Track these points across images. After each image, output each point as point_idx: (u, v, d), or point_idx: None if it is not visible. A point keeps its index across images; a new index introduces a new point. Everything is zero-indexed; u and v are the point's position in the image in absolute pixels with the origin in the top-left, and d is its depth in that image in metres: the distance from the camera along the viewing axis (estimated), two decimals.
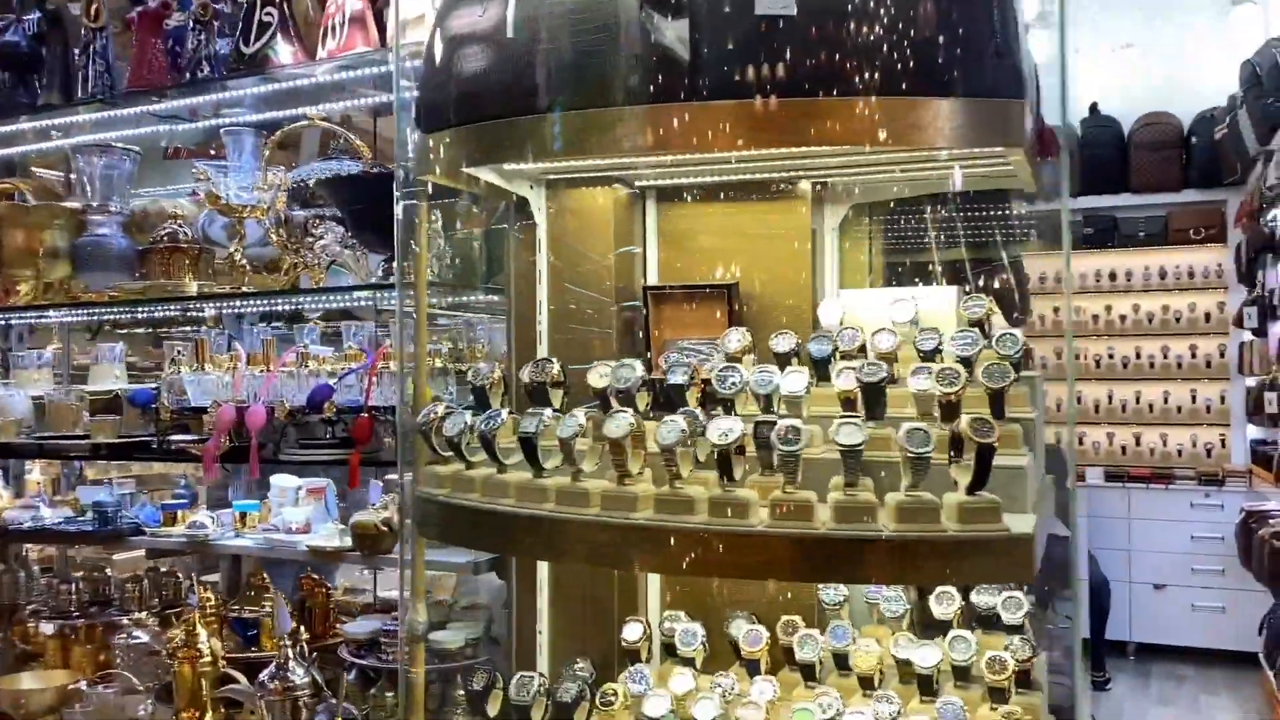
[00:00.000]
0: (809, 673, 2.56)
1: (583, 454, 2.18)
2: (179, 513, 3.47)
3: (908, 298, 2.52)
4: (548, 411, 2.25)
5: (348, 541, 3.14)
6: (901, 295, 2.57)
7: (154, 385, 3.36)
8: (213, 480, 3.41)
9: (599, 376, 2.47)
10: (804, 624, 2.61)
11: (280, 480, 3.58)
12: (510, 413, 2.31)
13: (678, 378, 2.51)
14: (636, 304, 2.90)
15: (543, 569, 2.97)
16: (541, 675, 2.58)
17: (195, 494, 3.83)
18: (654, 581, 2.95)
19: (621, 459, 2.11)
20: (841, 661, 2.54)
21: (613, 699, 2.48)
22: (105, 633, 3.67)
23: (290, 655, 2.76)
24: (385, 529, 3.04)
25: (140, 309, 3.37)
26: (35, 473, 4.12)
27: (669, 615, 2.76)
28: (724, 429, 2.04)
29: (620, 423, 2.12)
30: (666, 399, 2.45)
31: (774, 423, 2.00)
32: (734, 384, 2.29)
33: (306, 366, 3.06)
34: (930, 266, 3.04)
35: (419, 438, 2.42)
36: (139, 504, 3.64)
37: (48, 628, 4.02)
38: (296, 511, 3.33)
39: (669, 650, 2.74)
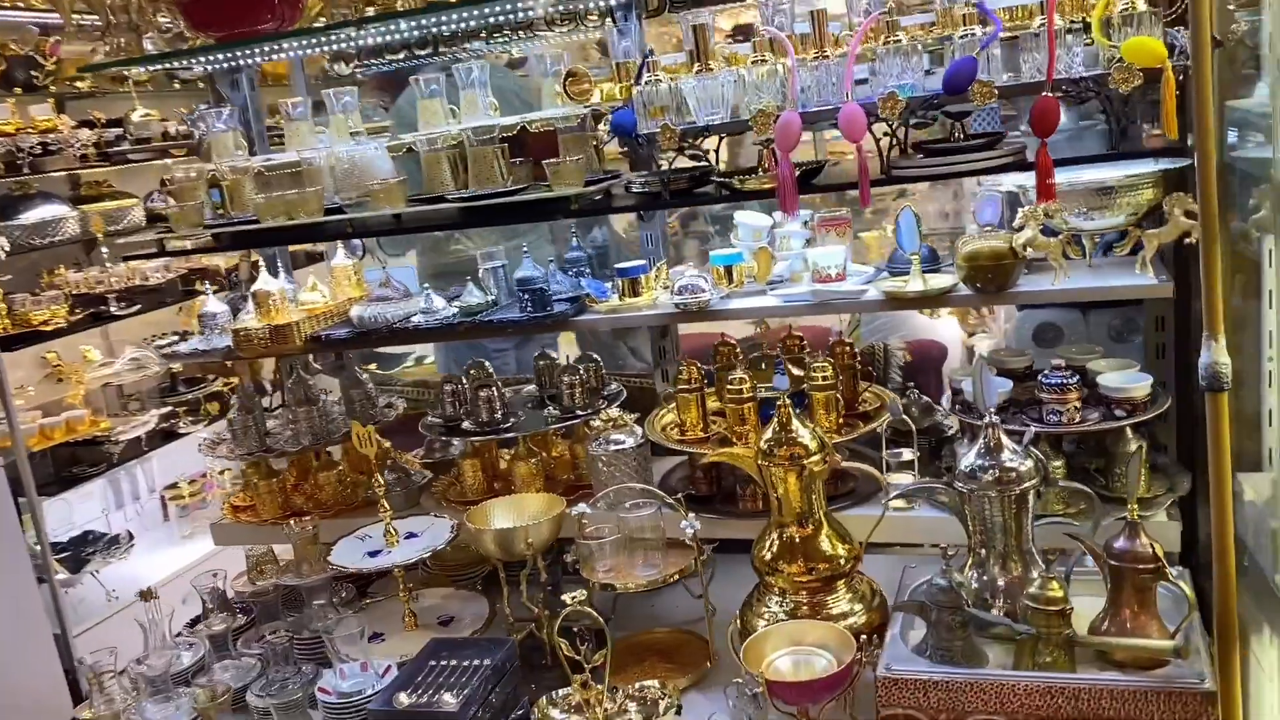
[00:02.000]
0: None
1: None
2: (641, 278, 2.61)
3: None
4: None
5: (942, 281, 2.36)
6: None
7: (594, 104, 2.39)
8: (792, 217, 2.52)
9: None
10: None
11: (749, 218, 2.73)
12: None
13: None
14: None
15: None
16: None
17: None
18: None
19: None
20: None
21: None
22: (525, 442, 2.89)
23: (1001, 435, 2.02)
24: (1024, 254, 2.25)
25: None
26: (340, 256, 3.15)
27: None
28: None
29: None
30: None
31: None
32: None
33: (894, 40, 2.14)
34: None
35: None
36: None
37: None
38: (827, 253, 2.50)
39: None
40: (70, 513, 5.24)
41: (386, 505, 2.63)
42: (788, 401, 2.26)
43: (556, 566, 2.70)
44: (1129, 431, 2.32)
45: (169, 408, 5.20)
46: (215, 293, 3.23)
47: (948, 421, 2.63)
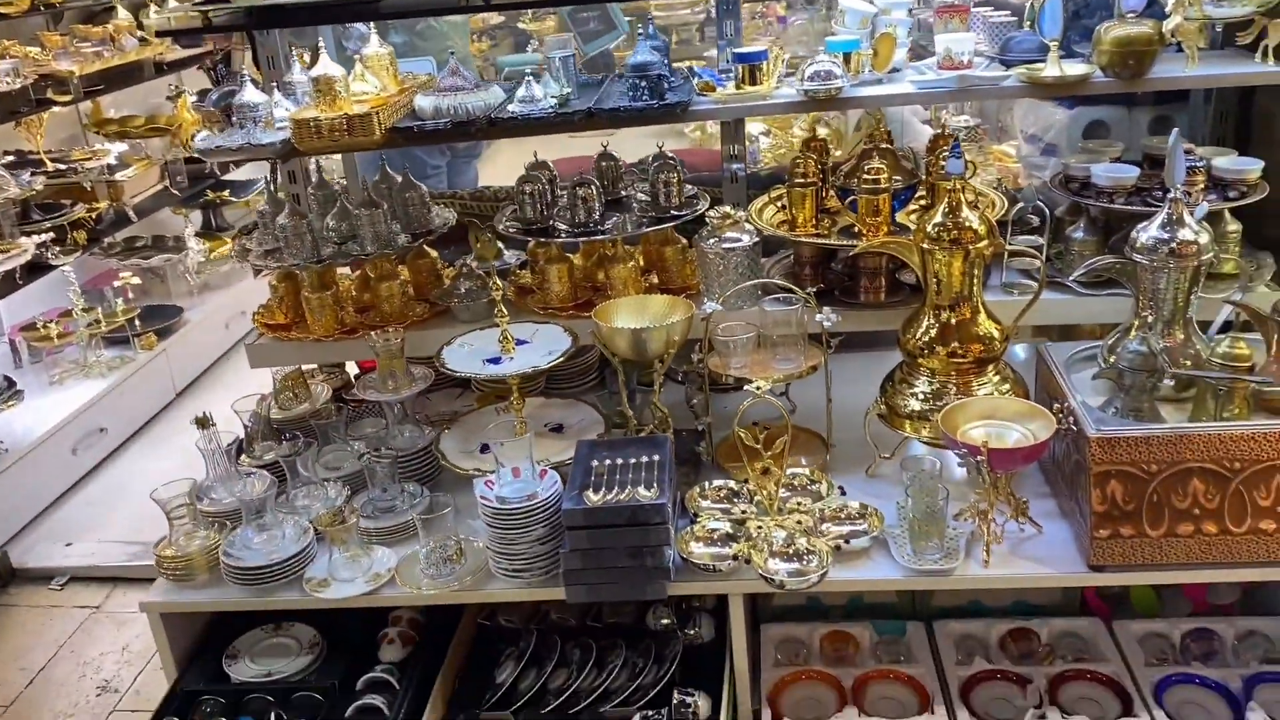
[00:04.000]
0: None
1: None
2: (760, 65, 2.51)
3: None
4: None
5: (1079, 69, 2.43)
6: None
7: None
8: None
9: None
10: None
11: (856, 3, 2.68)
12: None
13: None
14: None
15: None
16: None
17: None
18: None
19: None
20: None
21: None
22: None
23: (1184, 211, 2.14)
24: (1170, 39, 2.35)
25: None
26: (375, 44, 2.81)
27: None
28: None
29: None
30: None
31: None
32: None
33: None
34: None
35: None
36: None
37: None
38: (959, 39, 2.50)
39: None
40: None
41: (504, 311, 2.46)
42: (959, 186, 2.29)
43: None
44: (1228, 214, 2.53)
45: (41, 236, 4.54)
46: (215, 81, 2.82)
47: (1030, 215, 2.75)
